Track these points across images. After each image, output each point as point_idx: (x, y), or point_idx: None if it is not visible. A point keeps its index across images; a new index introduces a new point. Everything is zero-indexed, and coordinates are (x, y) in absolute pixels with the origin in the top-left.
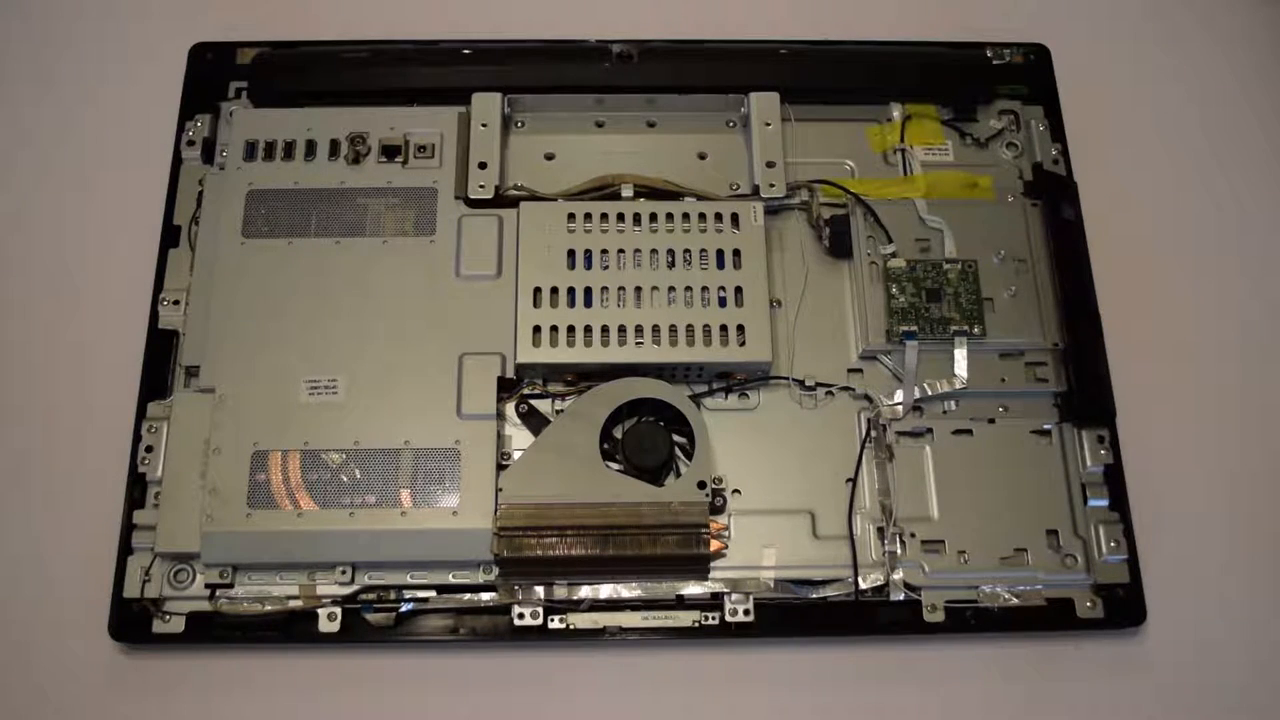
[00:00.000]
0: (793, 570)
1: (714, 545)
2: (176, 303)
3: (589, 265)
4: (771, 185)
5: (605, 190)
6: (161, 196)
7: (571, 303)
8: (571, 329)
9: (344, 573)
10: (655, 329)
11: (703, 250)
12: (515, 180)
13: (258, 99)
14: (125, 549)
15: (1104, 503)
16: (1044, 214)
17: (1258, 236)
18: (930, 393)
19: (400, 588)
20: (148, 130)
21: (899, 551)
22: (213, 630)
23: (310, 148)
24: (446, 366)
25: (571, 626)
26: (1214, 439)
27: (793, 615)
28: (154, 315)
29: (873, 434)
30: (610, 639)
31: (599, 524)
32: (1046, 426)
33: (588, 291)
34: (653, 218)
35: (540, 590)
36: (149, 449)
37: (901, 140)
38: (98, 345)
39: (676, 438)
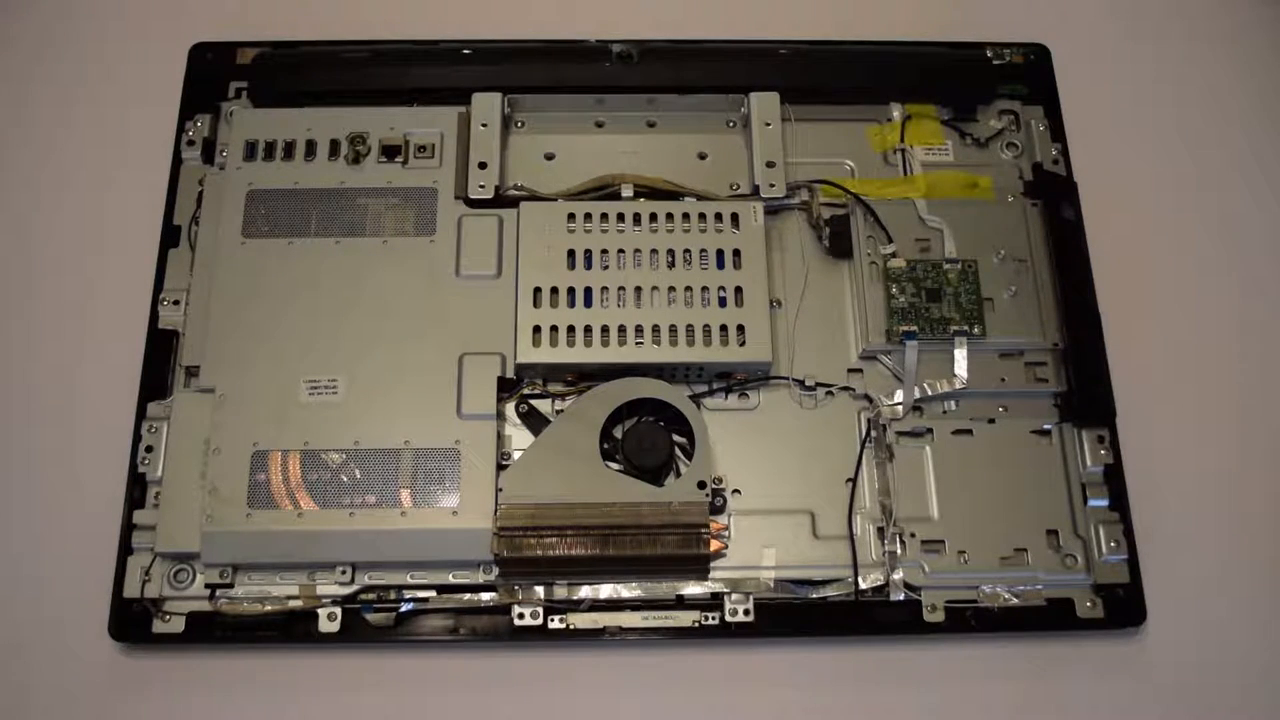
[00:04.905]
0: (793, 570)
1: (714, 545)
2: (176, 303)
3: (589, 265)
4: (771, 185)
5: (605, 190)
6: (161, 196)
7: (571, 303)
8: (571, 329)
9: (344, 573)
10: (655, 329)
11: (703, 250)
12: (515, 180)
13: (258, 99)
14: (125, 549)
15: (1104, 503)
16: (1044, 214)
17: (1258, 236)
18: (930, 393)
19: (400, 588)
20: (148, 130)
21: (899, 551)
22: (213, 630)
23: (310, 148)
24: (446, 366)
25: (571, 626)
26: (1214, 439)
27: (793, 615)
28: (154, 315)
29: (873, 434)
30: (610, 639)
31: (599, 524)
32: (1046, 426)
33: (588, 291)
34: (653, 218)
35: (540, 590)
36: (149, 449)
37: (901, 140)
38: (98, 345)
39: (676, 438)
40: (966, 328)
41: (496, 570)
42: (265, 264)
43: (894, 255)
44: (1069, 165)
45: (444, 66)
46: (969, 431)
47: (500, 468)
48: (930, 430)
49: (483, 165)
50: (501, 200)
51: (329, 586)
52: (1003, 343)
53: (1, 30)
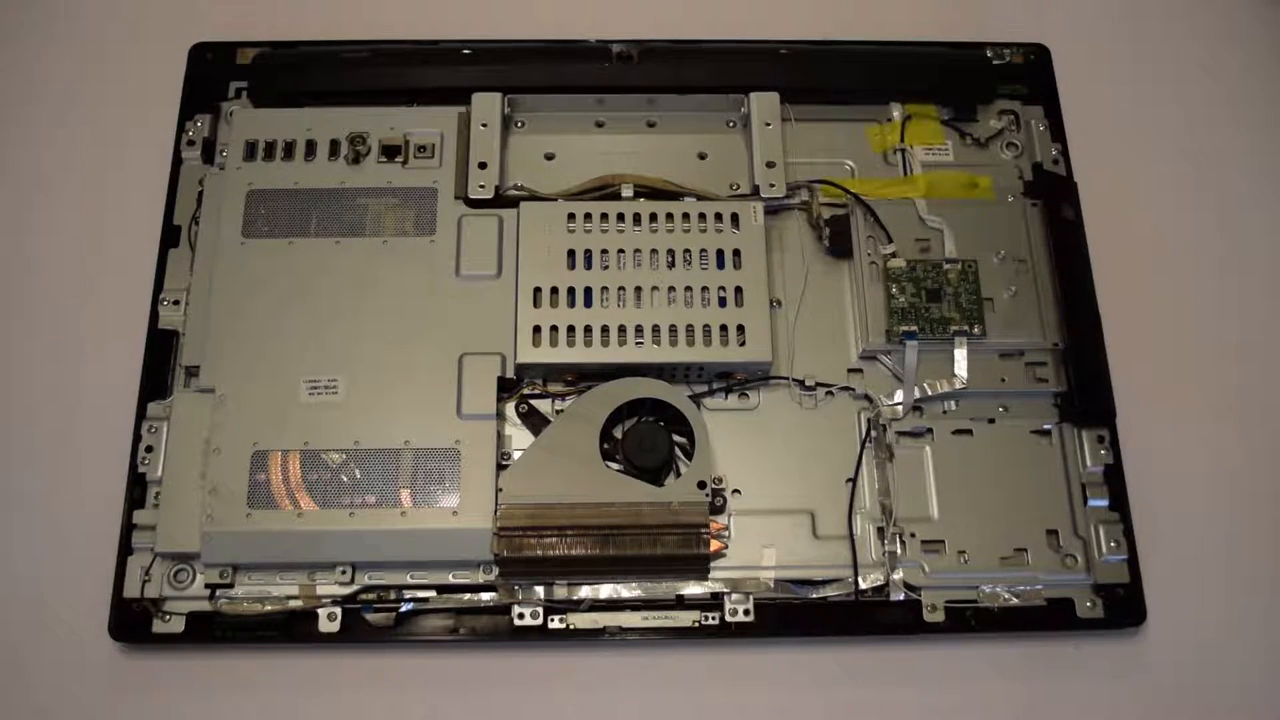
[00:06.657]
0: (793, 570)
1: (714, 545)
2: (176, 303)
3: (589, 265)
4: (771, 185)
5: (605, 190)
6: (161, 196)
7: (571, 303)
8: (571, 329)
9: (344, 573)
10: (655, 329)
11: (703, 250)
12: (515, 180)
13: (258, 99)
14: (125, 549)
15: (1104, 503)
16: (1044, 214)
17: (1257, 236)
18: (930, 393)
19: (400, 588)
20: (148, 130)
21: (899, 551)
22: (213, 630)
23: (310, 148)
24: (446, 366)
25: (571, 626)
26: (1214, 439)
27: (793, 615)
28: (154, 315)
29: (873, 434)
30: (610, 639)
31: (599, 524)
32: (1046, 426)
33: (588, 291)
34: (653, 218)
35: (540, 590)
36: (149, 449)
37: (901, 140)
38: (98, 345)
39: (676, 438)
40: (966, 328)
41: (496, 570)
42: (265, 264)
43: (894, 255)
44: (1069, 165)
45: (444, 66)
46: (969, 431)
47: (500, 468)
48: (930, 430)
49: (483, 165)
50: (501, 200)
51: (329, 586)
52: (1003, 343)
53: (2, 30)
